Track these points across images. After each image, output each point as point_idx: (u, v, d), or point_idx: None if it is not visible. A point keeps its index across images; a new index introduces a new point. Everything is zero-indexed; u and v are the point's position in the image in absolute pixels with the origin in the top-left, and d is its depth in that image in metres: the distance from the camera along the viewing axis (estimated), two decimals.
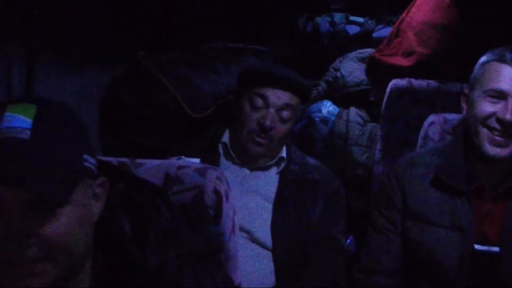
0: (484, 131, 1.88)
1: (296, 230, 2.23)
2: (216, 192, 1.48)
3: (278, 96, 2.24)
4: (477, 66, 1.95)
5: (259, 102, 2.23)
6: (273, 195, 2.26)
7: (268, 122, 2.20)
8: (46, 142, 1.10)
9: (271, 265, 2.21)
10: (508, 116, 1.82)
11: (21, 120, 1.09)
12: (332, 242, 2.28)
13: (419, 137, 2.44)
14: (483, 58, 1.93)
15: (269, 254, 2.21)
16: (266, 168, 2.31)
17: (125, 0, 2.39)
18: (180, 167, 1.51)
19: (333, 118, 3.51)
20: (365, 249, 2.13)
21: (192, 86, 2.44)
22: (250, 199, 2.22)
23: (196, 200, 1.47)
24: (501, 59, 1.86)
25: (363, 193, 3.26)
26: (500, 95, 1.85)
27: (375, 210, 2.13)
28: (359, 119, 3.49)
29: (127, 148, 2.40)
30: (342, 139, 3.42)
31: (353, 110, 3.51)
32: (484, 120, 1.87)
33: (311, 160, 2.40)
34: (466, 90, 2.00)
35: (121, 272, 1.24)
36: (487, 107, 1.87)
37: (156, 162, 1.55)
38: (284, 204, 2.24)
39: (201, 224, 1.47)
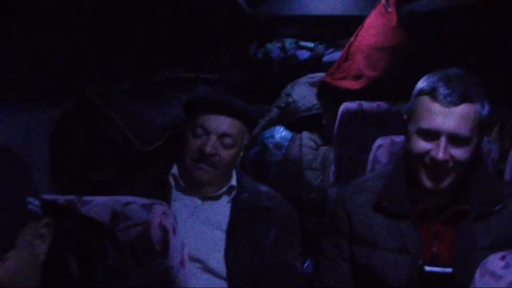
0: (420, 166, 1.89)
1: (250, 258, 2.22)
2: (162, 227, 1.49)
3: (218, 123, 2.24)
4: (413, 94, 1.95)
5: (200, 130, 2.24)
6: (226, 224, 2.25)
7: (208, 149, 2.20)
8: None
9: None
10: (440, 155, 1.82)
11: None
12: (287, 268, 2.28)
13: (368, 160, 2.47)
14: (419, 86, 1.91)
15: (224, 283, 2.21)
16: (217, 197, 2.31)
17: (73, 34, 2.38)
18: (126, 204, 1.52)
19: (286, 143, 3.54)
20: (316, 276, 2.14)
21: (141, 119, 2.44)
22: (202, 229, 2.22)
23: (142, 236, 1.47)
24: (433, 96, 1.84)
25: (319, 216, 3.28)
26: (432, 134, 1.84)
27: (324, 236, 2.14)
28: (312, 143, 3.52)
29: (78, 184, 2.38)
30: (296, 164, 3.45)
31: (305, 135, 3.55)
32: (419, 157, 1.88)
33: (263, 188, 2.40)
34: (405, 117, 2.00)
35: None
36: (421, 144, 1.87)
37: (103, 199, 1.55)
38: (237, 233, 2.24)
39: (148, 259, 1.47)
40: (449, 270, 1.90)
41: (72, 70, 2.43)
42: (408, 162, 1.97)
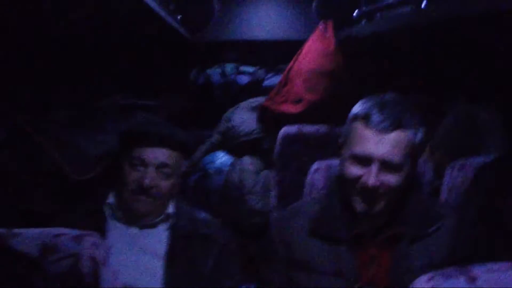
0: (352, 191, 1.90)
1: (189, 285, 2.21)
2: (92, 259, 1.47)
3: (155, 154, 2.22)
4: (347, 119, 1.97)
5: (137, 161, 2.21)
6: (164, 252, 2.24)
7: (147, 181, 2.18)
8: None
9: None
10: (371, 181, 1.83)
11: None
12: None
13: (305, 184, 2.48)
14: (353, 111, 1.93)
15: None
16: (154, 225, 2.29)
17: (4, 62, 2.35)
18: (56, 236, 1.49)
19: (227, 169, 3.54)
20: None
21: (75, 148, 2.41)
22: (139, 258, 2.20)
23: (72, 268, 1.45)
24: (366, 122, 1.86)
25: (261, 241, 3.27)
26: (365, 160, 1.86)
27: (261, 262, 2.14)
28: (253, 168, 3.54)
29: (11, 216, 2.34)
30: (237, 189, 3.45)
31: (246, 159, 3.56)
32: (351, 182, 1.89)
33: (201, 214, 2.38)
34: (340, 141, 2.02)
35: None
36: (353, 170, 1.88)
37: (34, 231, 1.52)
38: (174, 261, 2.22)
39: None
40: None
41: (2, 100, 2.39)
42: (342, 187, 1.99)
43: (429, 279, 1.37)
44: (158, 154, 2.22)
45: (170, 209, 2.31)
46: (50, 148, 2.34)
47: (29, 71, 2.35)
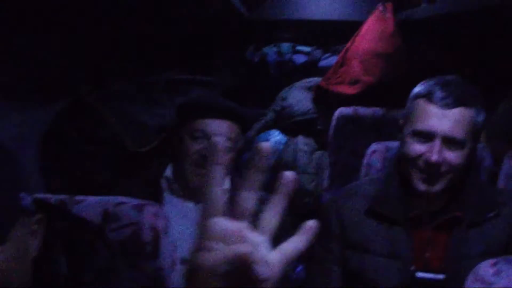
0: (414, 170, 1.88)
1: None
2: (153, 228, 1.48)
3: (218, 126, 2.24)
4: (409, 99, 1.96)
5: (199, 133, 2.23)
6: None
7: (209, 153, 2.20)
8: None
9: None
10: (434, 158, 1.81)
11: None
12: None
13: (362, 165, 2.47)
14: (415, 90, 1.92)
15: None
16: None
17: (68, 34, 2.38)
18: (118, 204, 1.51)
19: (281, 147, 3.53)
20: (308, 280, 2.14)
21: (135, 120, 2.44)
22: (193, 232, 2.22)
23: (133, 236, 1.47)
24: (429, 98, 1.84)
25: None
26: (427, 136, 1.84)
27: (316, 241, 2.13)
28: (306, 148, 3.52)
29: (71, 184, 2.38)
30: (290, 168, 3.43)
31: (300, 139, 3.55)
32: (413, 160, 1.87)
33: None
34: (400, 122, 2.00)
35: None
36: (415, 147, 1.86)
37: (95, 199, 1.54)
38: None
39: (139, 260, 1.47)
40: (441, 276, 1.90)
41: (66, 71, 2.43)
42: (402, 167, 1.97)
43: (493, 264, 1.35)
44: (221, 127, 2.23)
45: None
46: (110, 119, 2.37)
47: (89, 44, 2.37)
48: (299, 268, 3.10)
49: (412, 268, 1.91)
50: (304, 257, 2.93)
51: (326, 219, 2.11)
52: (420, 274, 1.91)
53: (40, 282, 1.24)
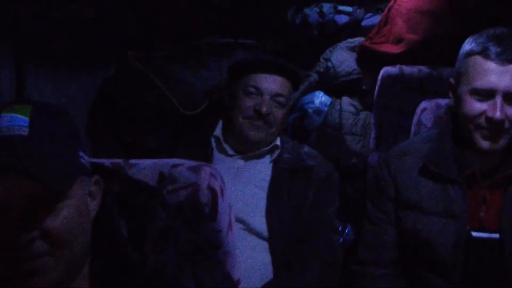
0: (475, 128, 1.85)
1: (290, 217, 2.25)
2: (211, 189, 1.48)
3: (270, 82, 2.28)
4: (460, 56, 1.90)
5: (253, 89, 2.27)
6: (267, 184, 2.27)
7: (264, 109, 2.24)
8: (44, 137, 1.13)
9: (268, 255, 2.22)
10: (497, 115, 1.78)
11: (18, 118, 1.13)
12: (326, 222, 2.30)
13: (412, 124, 2.44)
14: (466, 48, 1.87)
15: (265, 244, 2.23)
16: (259, 157, 2.33)
17: (112, 1, 2.38)
18: (174, 166, 1.51)
19: (326, 109, 3.50)
20: (361, 241, 2.13)
21: (184, 83, 2.44)
22: (244, 190, 2.24)
23: (191, 198, 1.47)
24: (485, 55, 1.80)
25: (359, 182, 3.25)
26: (488, 93, 1.80)
27: (369, 201, 2.13)
28: (352, 108, 3.48)
29: (121, 149, 2.40)
30: (336, 129, 3.41)
31: (345, 100, 3.51)
32: (474, 119, 1.84)
33: (305, 148, 2.43)
34: (452, 81, 1.96)
35: (120, 273, 1.24)
36: (475, 106, 1.83)
37: (149, 162, 1.55)
38: (278, 193, 2.26)
39: (197, 222, 1.47)
40: (496, 236, 1.88)
41: (112, 36, 2.43)
42: (457, 126, 1.94)
43: None
44: (273, 82, 2.27)
45: (277, 141, 2.34)
46: (159, 83, 2.37)
47: (137, 10, 2.37)
48: (348, 229, 3.10)
49: (468, 227, 1.89)
50: (352, 218, 2.93)
51: (378, 179, 2.10)
52: (475, 234, 1.90)
53: (99, 245, 1.25)
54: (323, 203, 2.32)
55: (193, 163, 1.53)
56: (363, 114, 3.47)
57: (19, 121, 1.13)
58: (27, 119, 1.13)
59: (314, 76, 3.68)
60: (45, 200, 1.11)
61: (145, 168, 1.52)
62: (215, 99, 2.51)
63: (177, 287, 1.25)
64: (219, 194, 1.49)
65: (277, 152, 2.35)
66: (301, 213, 2.27)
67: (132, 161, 1.55)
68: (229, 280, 1.38)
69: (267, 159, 2.35)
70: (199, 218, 1.47)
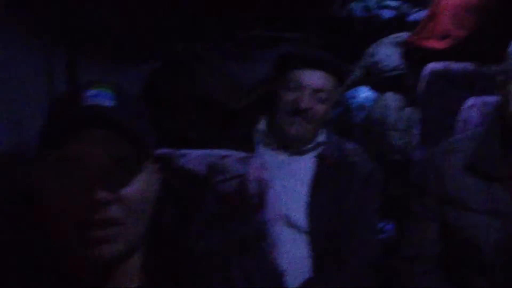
0: None
1: (331, 213, 2.25)
2: (259, 180, 1.49)
3: (312, 78, 2.26)
4: (509, 53, 1.89)
5: (293, 84, 2.26)
6: (310, 180, 2.27)
7: (303, 104, 2.22)
8: (129, 111, 1.17)
9: (307, 249, 2.23)
10: None
11: (103, 93, 1.16)
12: (366, 221, 2.30)
13: (458, 121, 2.42)
14: None
15: (305, 238, 2.23)
16: (303, 153, 2.33)
17: None
18: (223, 157, 1.53)
19: (370, 104, 3.49)
20: (404, 237, 2.13)
21: (230, 76, 2.46)
22: (287, 184, 2.25)
23: (240, 189, 1.48)
24: None
25: (402, 179, 3.23)
26: None
27: (413, 197, 2.12)
28: (396, 104, 3.46)
29: (165, 141, 2.42)
30: (380, 125, 3.40)
31: (390, 95, 3.48)
32: None
33: (349, 144, 2.42)
34: (500, 78, 1.94)
35: (170, 258, 1.26)
36: None
37: (199, 152, 1.56)
38: (320, 188, 2.26)
39: (245, 212, 1.48)
40: None
41: (159, 29, 2.46)
42: (505, 124, 1.92)
43: None
44: (315, 78, 2.25)
45: (320, 137, 2.33)
46: (206, 75, 2.39)
47: (185, 3, 2.40)
48: (389, 226, 3.08)
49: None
50: (394, 215, 2.92)
51: (422, 176, 2.09)
52: None
53: (150, 233, 1.27)
54: (364, 201, 2.32)
55: (242, 154, 1.54)
56: (407, 110, 3.44)
57: (104, 95, 1.16)
58: (111, 95, 1.17)
59: (358, 71, 3.67)
60: (126, 165, 1.14)
61: (195, 158, 1.54)
62: (260, 93, 2.52)
63: (224, 275, 1.27)
64: (267, 186, 1.50)
65: (320, 148, 2.35)
66: (342, 209, 2.27)
67: (181, 151, 1.57)
68: (276, 271, 1.39)
69: (311, 154, 2.35)
70: (247, 209, 1.48)
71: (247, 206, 1.48)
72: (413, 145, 3.26)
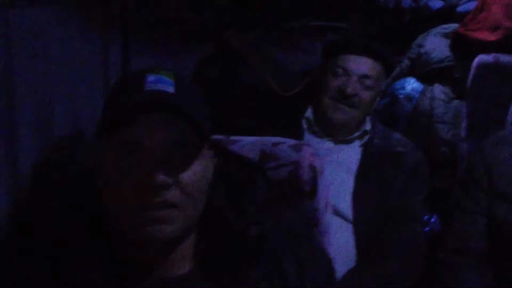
0: None
1: (377, 202, 2.25)
2: (312, 168, 1.50)
3: (359, 63, 2.27)
4: None
5: (340, 70, 2.26)
6: (356, 168, 2.27)
7: (349, 89, 2.23)
8: (189, 98, 1.19)
9: (352, 238, 2.23)
10: None
11: (164, 79, 1.18)
12: (412, 212, 2.29)
13: (509, 114, 2.38)
14: None
15: (350, 227, 2.23)
16: (349, 141, 2.33)
17: None
18: (275, 144, 1.54)
19: (417, 95, 3.45)
20: (451, 230, 2.11)
21: (280, 64, 2.46)
22: (333, 172, 2.24)
23: (292, 175, 1.49)
24: None
25: (448, 171, 3.20)
26: None
27: (460, 190, 2.10)
28: (443, 96, 3.41)
29: (215, 128, 2.43)
30: (427, 117, 3.36)
31: (437, 87, 3.44)
32: None
33: (395, 135, 2.41)
34: None
35: (223, 241, 1.27)
36: None
37: (251, 139, 1.58)
38: (366, 177, 2.27)
39: (297, 200, 1.49)
40: None
41: (207, 17, 2.47)
42: None
43: None
44: (361, 64, 2.26)
45: (367, 126, 2.33)
46: (257, 63, 2.39)
47: None
48: (434, 218, 3.06)
49: None
50: (442, 207, 2.89)
51: (471, 168, 2.07)
52: None
53: (203, 216, 1.28)
54: (410, 192, 2.31)
55: (293, 141, 1.55)
56: (454, 103, 3.40)
57: (165, 81, 1.18)
58: (172, 81, 1.18)
59: (406, 62, 3.63)
60: (185, 150, 1.17)
61: (247, 144, 1.55)
62: (310, 81, 2.51)
63: (276, 260, 1.28)
64: (319, 173, 1.51)
65: (367, 137, 2.35)
66: (388, 199, 2.27)
67: (233, 137, 1.58)
68: (327, 258, 1.39)
69: (357, 143, 2.35)
70: (299, 196, 1.49)
71: (298, 193, 1.49)
72: (461, 138, 3.22)
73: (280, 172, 1.49)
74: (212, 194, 1.28)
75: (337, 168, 2.27)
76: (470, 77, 3.20)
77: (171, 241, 1.19)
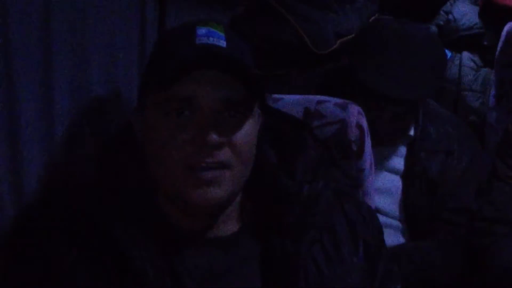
0: None
1: (426, 201, 2.15)
2: (359, 126, 1.46)
3: None
4: None
5: None
6: (402, 170, 2.18)
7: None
8: (241, 52, 1.16)
9: (398, 235, 2.17)
10: None
11: (215, 32, 1.14)
12: (464, 212, 2.16)
13: None
14: None
15: (398, 224, 2.17)
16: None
17: None
18: (319, 102, 1.50)
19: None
20: (487, 198, 2.06)
21: (315, 23, 2.40)
22: (379, 175, 2.14)
23: (339, 134, 1.45)
24: None
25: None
26: None
27: (498, 159, 2.06)
28: (472, 64, 3.37)
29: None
30: (455, 84, 3.32)
31: (466, 55, 3.39)
32: None
33: (448, 127, 2.26)
34: None
35: (272, 202, 1.24)
36: None
37: (294, 97, 1.54)
38: (414, 179, 2.15)
39: (343, 159, 1.45)
40: None
41: None
42: None
43: None
44: None
45: (411, 131, 2.22)
46: (292, 20, 2.35)
47: None
48: None
49: None
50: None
51: (510, 136, 2.03)
52: None
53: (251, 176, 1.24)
54: (462, 191, 2.19)
55: (338, 100, 1.51)
56: (483, 71, 3.35)
57: (216, 34, 1.13)
58: (223, 34, 1.14)
59: (434, 29, 3.58)
60: (237, 108, 1.13)
61: (290, 102, 1.52)
62: (343, 43, 2.46)
63: (327, 222, 1.24)
64: (366, 132, 1.47)
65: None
66: (437, 197, 2.16)
67: (277, 95, 1.54)
68: (374, 215, 1.35)
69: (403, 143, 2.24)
70: (345, 155, 1.45)
71: (345, 152, 1.45)
72: (489, 107, 3.17)
73: (326, 130, 1.45)
74: (260, 154, 1.24)
75: (383, 171, 2.16)
76: (500, 45, 3.13)
77: (221, 204, 1.15)
